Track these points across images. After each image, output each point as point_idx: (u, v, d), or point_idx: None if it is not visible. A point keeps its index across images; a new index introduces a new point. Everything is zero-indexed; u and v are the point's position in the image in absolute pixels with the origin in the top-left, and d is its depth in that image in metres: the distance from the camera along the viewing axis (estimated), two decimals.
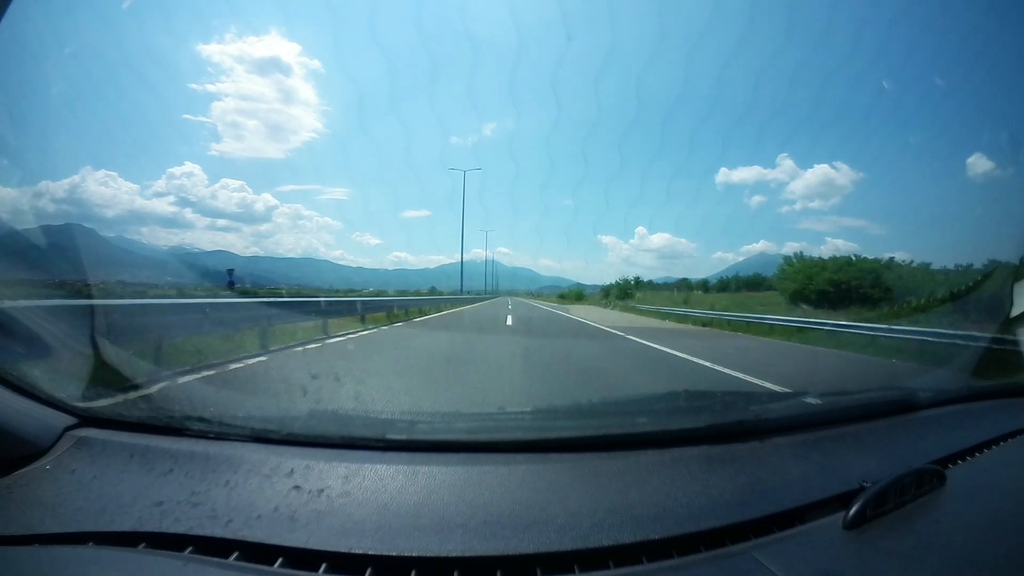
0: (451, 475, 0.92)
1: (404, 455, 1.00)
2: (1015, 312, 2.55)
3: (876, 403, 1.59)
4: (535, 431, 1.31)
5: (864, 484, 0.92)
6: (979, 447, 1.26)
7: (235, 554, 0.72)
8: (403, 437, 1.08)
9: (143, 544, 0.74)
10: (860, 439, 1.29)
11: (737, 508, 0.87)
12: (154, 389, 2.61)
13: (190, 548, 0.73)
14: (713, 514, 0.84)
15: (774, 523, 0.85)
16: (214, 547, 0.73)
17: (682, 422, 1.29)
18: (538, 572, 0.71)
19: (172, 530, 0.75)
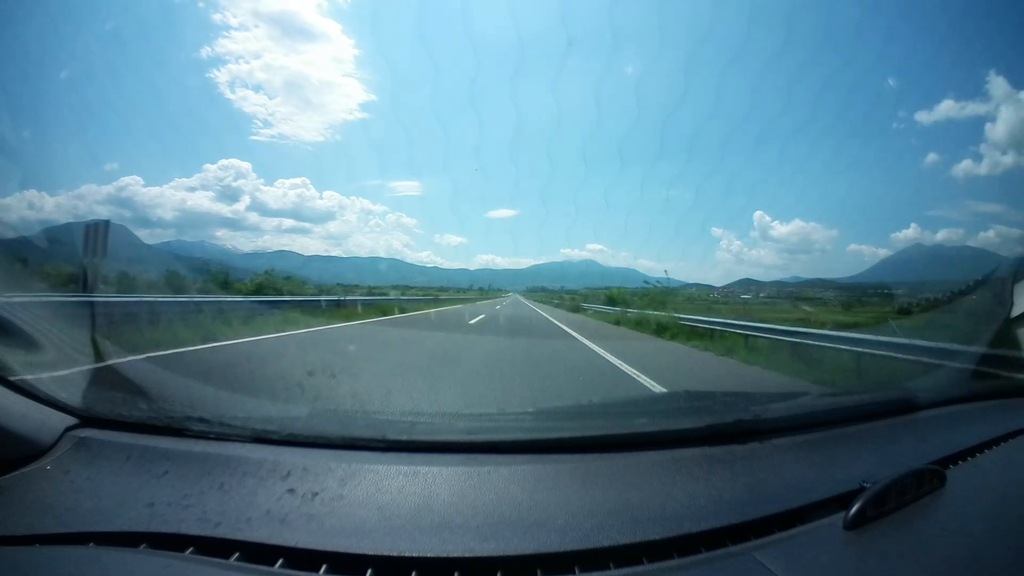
0: (451, 476, 0.92)
1: (404, 455, 1.00)
2: (1015, 312, 2.55)
3: (876, 403, 1.59)
4: (535, 432, 1.31)
5: (864, 484, 0.92)
6: (979, 447, 1.26)
7: (236, 554, 0.72)
8: (404, 438, 1.08)
9: (144, 544, 0.74)
10: (860, 439, 1.29)
11: (737, 508, 0.87)
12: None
13: (191, 548, 0.73)
14: (713, 515, 0.84)
15: (774, 523, 0.85)
16: (215, 547, 0.73)
17: (682, 423, 1.29)
18: (538, 573, 0.71)
19: (162, 531, 0.75)
